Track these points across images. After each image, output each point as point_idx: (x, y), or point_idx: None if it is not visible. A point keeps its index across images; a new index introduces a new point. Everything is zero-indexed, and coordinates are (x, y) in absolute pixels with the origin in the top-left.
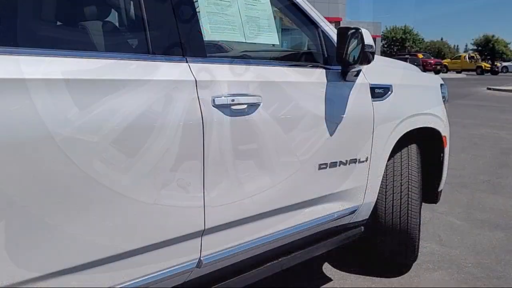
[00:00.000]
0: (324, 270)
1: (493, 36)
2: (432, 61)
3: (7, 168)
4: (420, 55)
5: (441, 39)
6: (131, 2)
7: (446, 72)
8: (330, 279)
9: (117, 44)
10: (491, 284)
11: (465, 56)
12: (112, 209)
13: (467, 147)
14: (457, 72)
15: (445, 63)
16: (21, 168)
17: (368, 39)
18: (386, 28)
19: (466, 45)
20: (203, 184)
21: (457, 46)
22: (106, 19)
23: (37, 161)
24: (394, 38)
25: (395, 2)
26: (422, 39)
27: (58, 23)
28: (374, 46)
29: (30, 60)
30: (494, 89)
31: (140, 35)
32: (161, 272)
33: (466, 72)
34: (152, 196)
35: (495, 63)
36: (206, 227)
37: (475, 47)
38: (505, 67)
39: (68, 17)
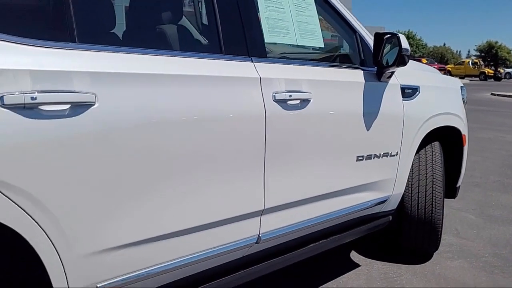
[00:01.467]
0: (352, 257)
1: (496, 42)
2: (436, 66)
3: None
4: (424, 60)
5: (444, 44)
6: (210, 15)
7: None
8: (358, 265)
9: (198, 46)
10: (508, 272)
11: (468, 62)
12: (194, 189)
13: (476, 150)
14: (461, 78)
15: (449, 69)
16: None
17: (405, 44)
18: None
19: (469, 51)
20: (264, 170)
21: (460, 51)
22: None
23: (156, 138)
24: None
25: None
26: (426, 44)
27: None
28: (410, 50)
29: (161, 59)
30: (498, 95)
31: (214, 38)
32: (229, 244)
33: (469, 78)
34: (222, 178)
35: (498, 69)
36: (265, 207)
37: (478, 53)
38: (508, 73)
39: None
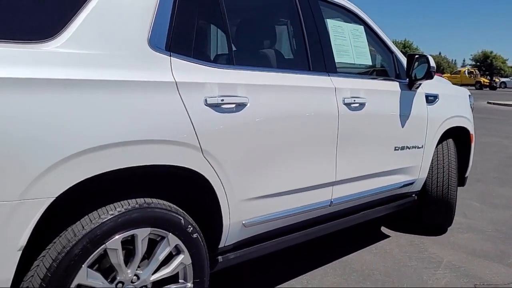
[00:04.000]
0: (383, 231)
1: (491, 52)
2: None
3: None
4: None
5: (439, 53)
6: (302, 40)
7: None
8: (389, 236)
9: (294, 64)
10: (507, 242)
11: (464, 71)
12: (299, 162)
13: (476, 152)
14: None
15: (445, 78)
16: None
17: (432, 63)
18: None
19: (464, 60)
20: (336, 152)
21: (455, 60)
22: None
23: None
24: None
25: (395, 16)
26: (422, 53)
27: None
28: (435, 67)
29: (278, 75)
30: (494, 103)
31: (303, 58)
32: (312, 203)
33: (465, 87)
34: (313, 155)
35: (494, 79)
36: (336, 180)
37: (474, 63)
38: (503, 82)
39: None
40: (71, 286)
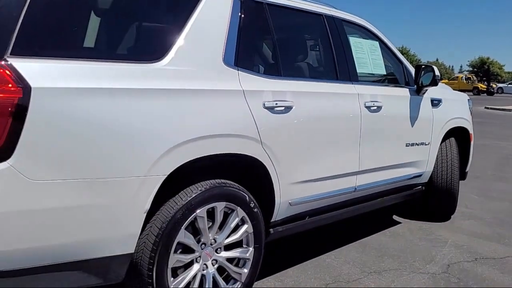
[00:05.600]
0: (394, 218)
1: (488, 58)
2: None
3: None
4: None
5: (437, 60)
6: (331, 55)
7: None
8: (399, 222)
9: (325, 74)
10: (503, 226)
11: (462, 77)
12: (332, 153)
13: (475, 153)
14: None
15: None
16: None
17: (437, 72)
18: None
19: (461, 66)
20: (359, 146)
21: (452, 66)
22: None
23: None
24: None
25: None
26: (419, 60)
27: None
28: (440, 76)
29: (314, 84)
30: (491, 108)
31: (332, 69)
32: (341, 189)
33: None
34: (343, 149)
35: (491, 84)
36: (359, 169)
37: (471, 69)
38: (500, 88)
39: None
40: (174, 241)
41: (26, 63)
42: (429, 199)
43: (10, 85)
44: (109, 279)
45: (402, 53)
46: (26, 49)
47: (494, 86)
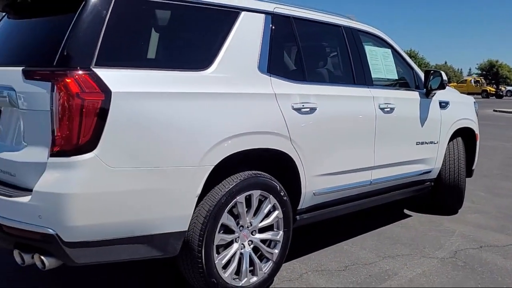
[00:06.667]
0: (405, 212)
1: (497, 61)
2: None
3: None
4: None
5: (445, 63)
6: (348, 61)
7: None
8: (410, 215)
9: (343, 79)
10: (508, 219)
11: (470, 80)
12: (353, 150)
13: (482, 154)
14: None
15: (452, 87)
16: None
17: (444, 76)
18: None
19: (470, 69)
20: (374, 143)
21: (461, 69)
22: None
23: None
24: None
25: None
26: (428, 63)
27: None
28: (447, 80)
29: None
30: (500, 111)
31: (350, 74)
32: (358, 182)
33: (471, 96)
34: (360, 145)
35: (500, 87)
36: (374, 165)
37: (480, 72)
38: (509, 91)
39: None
40: (219, 222)
41: (107, 72)
42: (438, 194)
43: (95, 90)
44: (168, 252)
45: (411, 56)
46: (106, 61)
47: (503, 89)
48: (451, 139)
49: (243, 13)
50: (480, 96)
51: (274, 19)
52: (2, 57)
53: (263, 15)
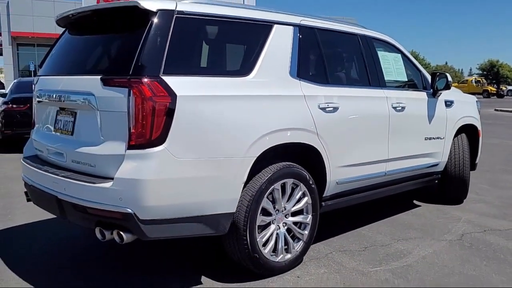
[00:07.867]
0: (414, 202)
1: (497, 61)
2: None
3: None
4: None
5: (446, 63)
6: (364, 66)
7: None
8: (419, 205)
9: (360, 81)
10: (510, 208)
11: (471, 81)
12: (370, 144)
13: (485, 150)
14: None
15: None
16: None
17: (449, 78)
18: None
19: (471, 69)
20: (388, 138)
21: (462, 70)
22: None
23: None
24: None
25: (400, 28)
26: (429, 63)
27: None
28: (452, 81)
29: (352, 89)
30: (501, 110)
31: (365, 77)
32: (375, 173)
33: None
34: (376, 140)
35: (501, 87)
36: (388, 158)
37: (480, 72)
38: (510, 90)
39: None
40: (260, 206)
41: (172, 79)
42: (444, 186)
43: (164, 94)
44: (219, 230)
45: None
46: (171, 70)
47: (504, 88)
48: (456, 135)
49: (275, 26)
50: (481, 96)
51: (301, 30)
52: (70, 68)
53: (291, 27)
